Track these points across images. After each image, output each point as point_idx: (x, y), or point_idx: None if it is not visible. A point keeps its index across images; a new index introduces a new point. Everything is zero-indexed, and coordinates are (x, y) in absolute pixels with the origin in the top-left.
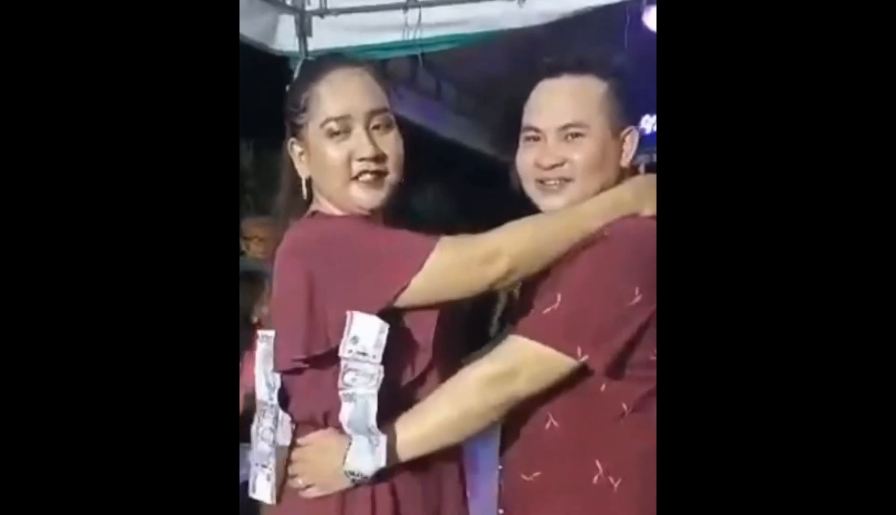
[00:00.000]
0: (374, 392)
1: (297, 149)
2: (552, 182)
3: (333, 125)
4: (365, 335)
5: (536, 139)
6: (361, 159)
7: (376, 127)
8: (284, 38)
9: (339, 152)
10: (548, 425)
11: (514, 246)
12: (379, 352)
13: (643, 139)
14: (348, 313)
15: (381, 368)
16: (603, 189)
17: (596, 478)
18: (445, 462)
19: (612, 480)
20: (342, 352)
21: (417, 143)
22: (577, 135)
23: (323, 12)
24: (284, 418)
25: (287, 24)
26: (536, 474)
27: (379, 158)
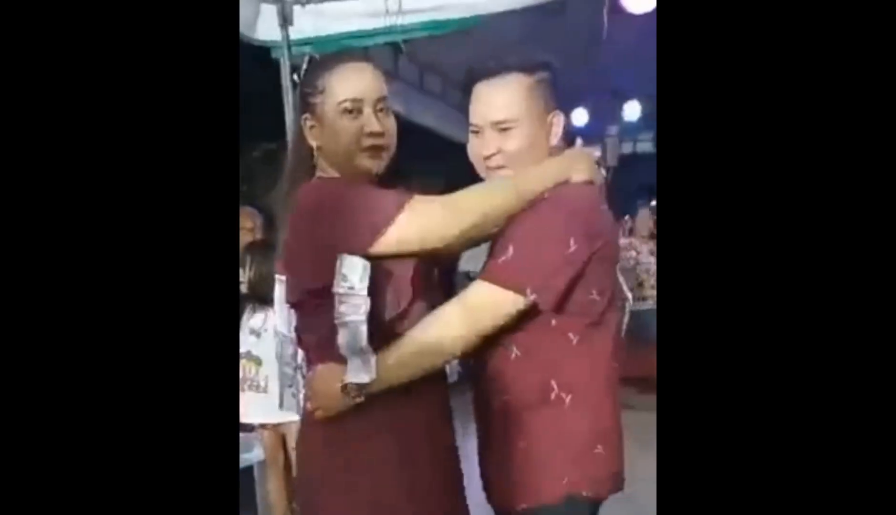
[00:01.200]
0: (364, 318)
1: (309, 122)
2: (493, 167)
3: (348, 105)
4: (352, 272)
5: (477, 132)
6: (370, 134)
7: (380, 110)
8: (266, 28)
9: (352, 128)
10: (512, 356)
11: (478, 204)
12: (364, 286)
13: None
14: (338, 255)
15: (368, 299)
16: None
17: (553, 396)
18: (431, 385)
19: (564, 396)
20: (335, 288)
21: (402, 133)
22: (507, 128)
23: (304, 1)
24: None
25: (269, 13)
26: (505, 396)
27: (383, 134)
